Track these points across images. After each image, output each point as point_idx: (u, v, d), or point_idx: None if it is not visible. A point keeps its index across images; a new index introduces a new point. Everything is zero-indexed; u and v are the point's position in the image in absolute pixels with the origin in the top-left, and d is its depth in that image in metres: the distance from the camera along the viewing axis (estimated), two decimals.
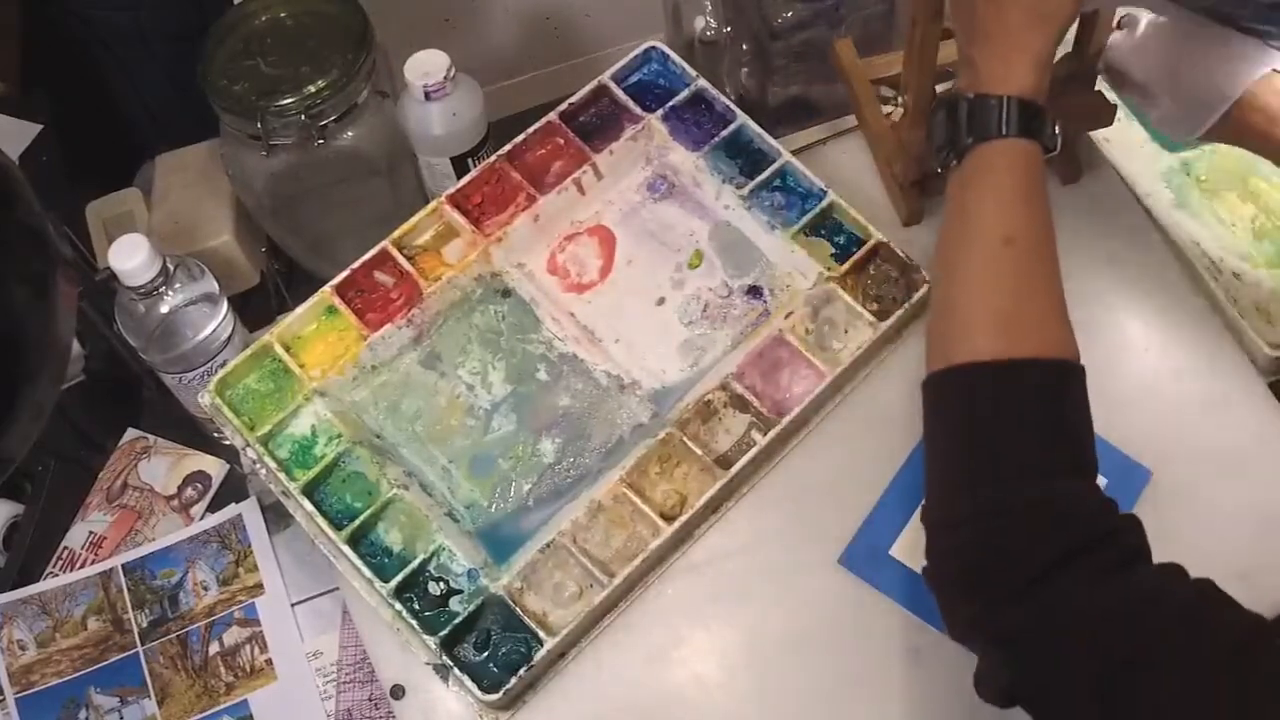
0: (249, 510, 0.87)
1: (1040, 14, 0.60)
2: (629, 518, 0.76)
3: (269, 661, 0.82)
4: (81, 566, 0.86)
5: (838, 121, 0.92)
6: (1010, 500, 0.52)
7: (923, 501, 0.56)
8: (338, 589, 0.82)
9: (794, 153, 0.87)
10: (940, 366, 0.56)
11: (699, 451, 0.77)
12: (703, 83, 0.88)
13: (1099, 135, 0.94)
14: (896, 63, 0.82)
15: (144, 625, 0.84)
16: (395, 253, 0.83)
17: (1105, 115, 0.85)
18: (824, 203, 0.84)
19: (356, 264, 0.82)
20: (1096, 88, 0.84)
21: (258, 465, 0.78)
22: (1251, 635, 0.49)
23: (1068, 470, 0.54)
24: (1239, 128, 0.70)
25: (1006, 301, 0.56)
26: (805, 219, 0.84)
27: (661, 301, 0.84)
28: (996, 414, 0.54)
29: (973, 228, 0.59)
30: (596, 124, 0.88)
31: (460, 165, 0.92)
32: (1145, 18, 0.75)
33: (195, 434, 0.91)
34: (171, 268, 0.81)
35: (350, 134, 0.92)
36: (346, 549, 0.74)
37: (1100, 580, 0.50)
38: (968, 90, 0.61)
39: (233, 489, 0.89)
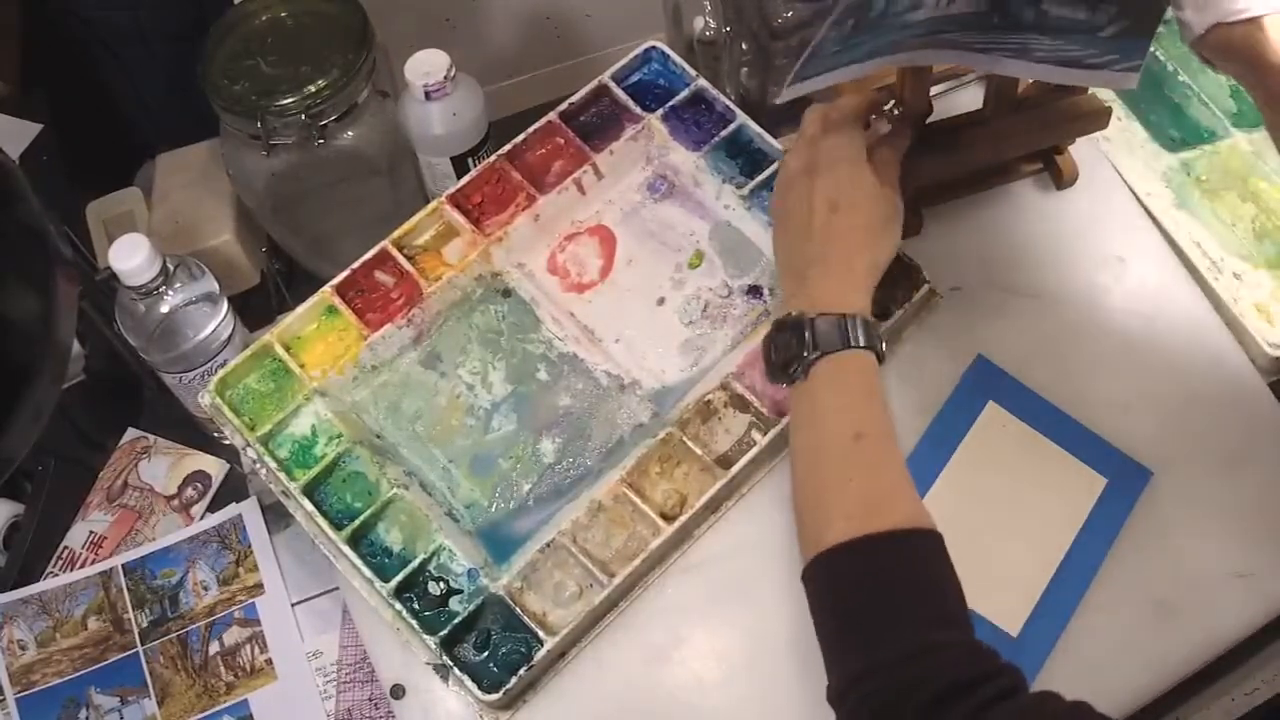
0: (249, 510, 0.87)
1: (869, 259, 0.71)
2: (629, 517, 0.76)
3: (269, 661, 0.82)
4: (81, 566, 0.86)
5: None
6: (882, 659, 0.56)
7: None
8: (338, 589, 0.82)
9: None
10: (811, 555, 0.61)
11: (699, 451, 0.77)
12: (703, 83, 0.88)
13: (1098, 135, 0.94)
14: (889, 73, 0.82)
15: (144, 625, 0.84)
16: (395, 253, 0.83)
17: (1101, 118, 0.85)
18: None
19: (357, 264, 0.82)
20: (1090, 90, 0.84)
21: (258, 465, 0.78)
22: None
23: (934, 624, 0.57)
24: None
25: (861, 488, 0.62)
26: None
27: (662, 301, 0.84)
28: (863, 585, 0.59)
29: (826, 428, 0.65)
30: (597, 124, 0.88)
31: (460, 165, 0.93)
32: None
33: (195, 434, 0.91)
34: (171, 267, 0.81)
35: (350, 134, 0.92)
36: (346, 549, 0.74)
37: (981, 713, 0.52)
38: (806, 310, 0.68)
39: (233, 489, 0.89)
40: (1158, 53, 1.00)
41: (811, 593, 0.62)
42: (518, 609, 0.73)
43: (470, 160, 0.92)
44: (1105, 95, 0.96)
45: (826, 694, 0.59)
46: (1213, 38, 0.67)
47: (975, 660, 0.55)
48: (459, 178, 0.88)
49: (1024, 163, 0.90)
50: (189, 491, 0.90)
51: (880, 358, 0.68)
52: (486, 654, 0.73)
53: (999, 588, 0.61)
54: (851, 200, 0.72)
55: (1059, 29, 0.70)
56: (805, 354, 0.67)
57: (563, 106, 0.88)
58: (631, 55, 0.90)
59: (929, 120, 0.82)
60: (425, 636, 0.71)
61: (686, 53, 0.94)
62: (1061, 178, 0.90)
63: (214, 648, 0.83)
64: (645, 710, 0.74)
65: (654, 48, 0.90)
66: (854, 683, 0.57)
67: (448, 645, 0.72)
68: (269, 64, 0.90)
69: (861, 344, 0.67)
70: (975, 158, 0.84)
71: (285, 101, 0.88)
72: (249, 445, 0.78)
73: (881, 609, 0.58)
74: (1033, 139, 0.86)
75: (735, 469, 0.76)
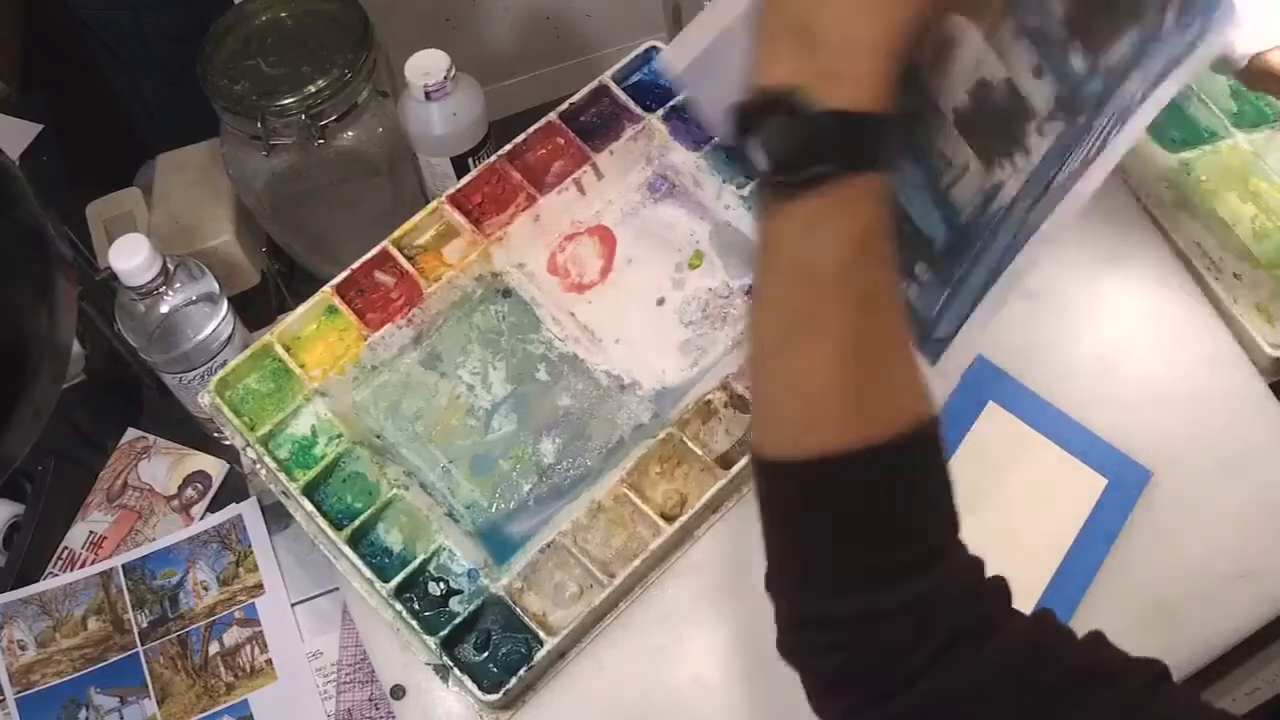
0: (249, 510, 0.87)
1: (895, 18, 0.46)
2: (629, 518, 0.76)
3: (269, 661, 0.82)
4: (81, 566, 0.86)
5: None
6: (882, 603, 0.47)
7: (765, 572, 0.50)
8: (338, 589, 0.82)
9: None
10: (785, 454, 0.48)
11: (699, 451, 0.77)
12: None
13: None
14: None
15: (144, 625, 0.84)
16: (396, 253, 0.83)
17: None
18: None
19: (357, 264, 0.82)
20: None
21: (258, 465, 0.78)
22: (1150, 678, 0.47)
23: (936, 548, 0.49)
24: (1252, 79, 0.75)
25: (862, 376, 0.47)
26: None
27: (662, 301, 0.84)
28: (855, 510, 0.48)
29: (822, 290, 0.47)
30: (597, 124, 0.88)
31: (460, 165, 0.93)
32: None
33: (195, 434, 0.91)
34: (172, 268, 0.81)
35: (351, 134, 0.92)
36: (346, 549, 0.74)
37: (974, 656, 0.46)
38: (810, 88, 0.45)
39: (233, 489, 0.89)
40: None
41: (769, 490, 0.50)
42: (518, 609, 0.73)
43: (470, 160, 0.92)
44: None
45: (766, 584, 0.50)
46: (1253, 67, 0.73)
47: (968, 603, 0.48)
48: (459, 178, 0.88)
49: None
50: (189, 492, 0.90)
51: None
52: (486, 654, 0.73)
53: None
54: None
55: (1131, 64, 0.57)
56: (807, 163, 0.45)
57: (563, 106, 0.88)
58: (631, 55, 0.90)
59: None
60: (425, 637, 0.71)
61: None
62: None
63: (214, 648, 0.83)
64: (645, 710, 0.74)
65: (654, 48, 0.90)
66: (811, 622, 0.49)
67: (448, 645, 0.72)
68: (269, 64, 0.90)
69: (879, 163, 0.46)
70: None
71: (285, 101, 0.88)
72: (249, 445, 0.78)
73: (865, 546, 0.48)
74: None
75: (736, 469, 0.76)
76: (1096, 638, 0.49)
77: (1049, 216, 0.58)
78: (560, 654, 0.74)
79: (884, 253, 0.48)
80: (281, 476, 0.76)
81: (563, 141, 0.87)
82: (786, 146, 0.45)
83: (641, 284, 0.85)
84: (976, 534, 0.61)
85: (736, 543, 0.78)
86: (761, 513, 0.50)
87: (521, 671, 0.71)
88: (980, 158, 0.56)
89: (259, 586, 0.84)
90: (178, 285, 0.81)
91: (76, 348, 0.90)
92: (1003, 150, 0.56)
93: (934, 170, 0.56)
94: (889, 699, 0.48)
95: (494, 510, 0.78)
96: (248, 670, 0.82)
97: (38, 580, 0.86)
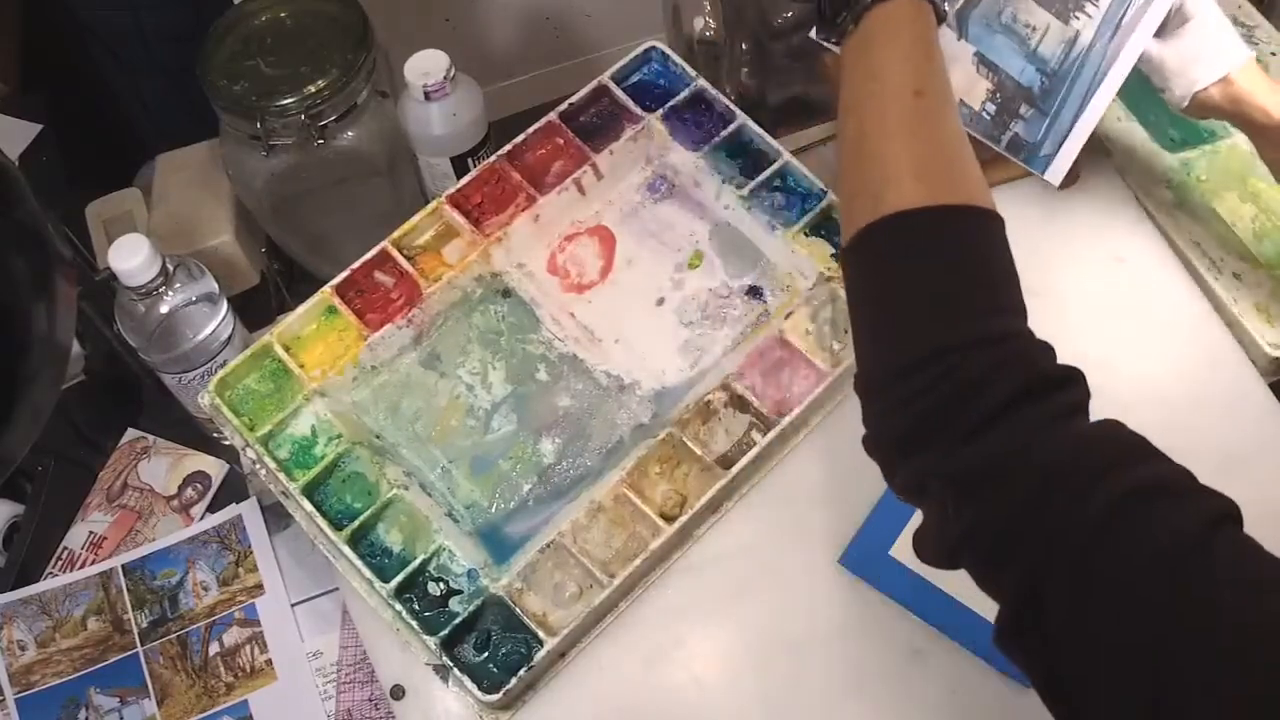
0: (249, 510, 0.87)
1: None
2: (629, 518, 0.76)
3: (269, 662, 0.82)
4: (81, 566, 0.86)
5: (838, 121, 0.92)
6: (962, 338, 0.52)
7: (854, 373, 0.56)
8: (338, 589, 0.82)
9: (794, 153, 0.87)
10: (868, 220, 0.55)
11: (699, 452, 0.77)
12: (703, 83, 0.88)
13: (1099, 135, 0.94)
14: None
15: (144, 625, 0.84)
16: (395, 253, 0.83)
17: None
18: (824, 203, 0.84)
19: (356, 264, 0.82)
20: None
21: (258, 465, 0.78)
22: (1228, 509, 0.50)
23: (1011, 310, 0.54)
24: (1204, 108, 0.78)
25: (926, 149, 0.57)
26: (805, 219, 0.84)
27: (661, 302, 0.84)
28: (935, 259, 0.54)
29: (884, 84, 0.59)
30: (596, 124, 0.88)
31: (460, 165, 0.92)
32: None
33: (195, 434, 0.91)
34: (171, 268, 0.81)
35: (350, 134, 0.92)
36: (346, 549, 0.74)
37: (1060, 421, 0.50)
38: None
39: (233, 489, 0.89)
40: None
41: (859, 265, 0.57)
42: (518, 609, 0.73)
43: (470, 160, 0.92)
44: None
45: (854, 384, 0.55)
46: (1196, 103, 0.76)
47: (1048, 358, 0.52)
48: (459, 178, 0.88)
49: None
50: (189, 492, 0.89)
51: (940, 15, 0.62)
52: (486, 654, 0.73)
53: None
54: None
55: None
56: (854, 2, 0.61)
57: (563, 107, 0.88)
58: (631, 55, 0.90)
59: None
60: (425, 637, 0.71)
61: (686, 53, 0.94)
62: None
63: (214, 648, 0.83)
64: (645, 711, 0.74)
65: (654, 48, 0.90)
66: (899, 374, 0.52)
67: (448, 646, 0.72)
68: (269, 64, 0.90)
69: None
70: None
71: (285, 101, 0.87)
72: (249, 445, 0.78)
73: (946, 289, 0.53)
74: None
75: (735, 469, 0.76)
76: (1186, 472, 0.52)
77: (1124, 49, 0.74)
78: (560, 654, 0.74)
79: (931, 56, 0.60)
80: (281, 477, 0.76)
81: (562, 141, 0.87)
82: None
83: (641, 284, 0.85)
84: None
85: (736, 543, 0.78)
86: (854, 307, 0.57)
87: (521, 671, 0.71)
88: (1059, 18, 0.75)
89: (259, 587, 0.84)
90: (177, 285, 0.81)
91: (76, 348, 0.90)
92: (1076, 6, 0.75)
93: (1022, 37, 0.77)
94: (964, 444, 0.50)
95: (494, 510, 0.78)
96: (248, 670, 0.82)
97: (37, 580, 0.86)
